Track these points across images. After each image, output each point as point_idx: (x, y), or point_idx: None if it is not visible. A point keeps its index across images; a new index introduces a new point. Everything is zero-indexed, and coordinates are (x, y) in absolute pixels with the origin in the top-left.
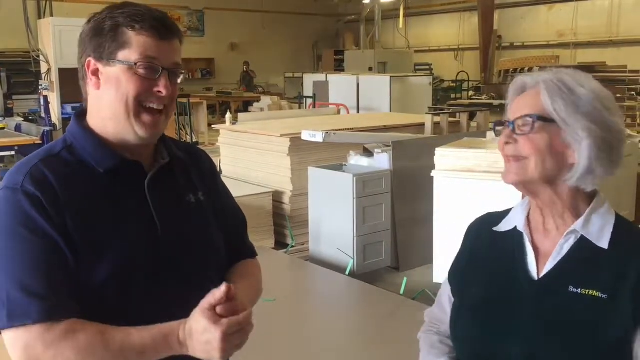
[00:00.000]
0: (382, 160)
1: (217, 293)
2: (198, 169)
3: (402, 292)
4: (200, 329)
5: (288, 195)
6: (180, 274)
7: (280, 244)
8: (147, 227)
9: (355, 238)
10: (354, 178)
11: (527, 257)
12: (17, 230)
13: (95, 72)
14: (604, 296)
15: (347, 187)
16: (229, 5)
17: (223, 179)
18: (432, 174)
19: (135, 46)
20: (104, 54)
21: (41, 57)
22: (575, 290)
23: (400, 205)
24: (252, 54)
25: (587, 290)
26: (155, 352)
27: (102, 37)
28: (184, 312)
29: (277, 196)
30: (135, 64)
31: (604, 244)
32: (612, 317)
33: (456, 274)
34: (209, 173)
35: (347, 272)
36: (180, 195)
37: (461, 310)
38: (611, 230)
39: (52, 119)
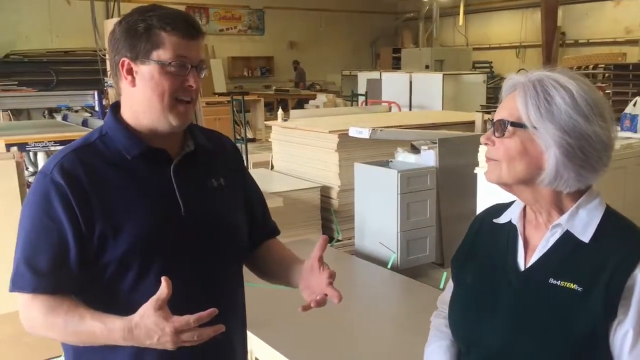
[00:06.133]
0: (428, 157)
1: (161, 293)
2: (222, 156)
3: (441, 286)
4: (149, 324)
5: (335, 190)
6: (199, 252)
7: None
8: (171, 206)
9: (398, 233)
10: (399, 174)
11: (518, 249)
12: (38, 213)
13: (130, 71)
14: (579, 289)
15: (391, 183)
16: (288, 4)
17: (275, 173)
18: (475, 171)
19: (168, 46)
20: (139, 54)
21: (107, 56)
22: (554, 282)
23: (445, 201)
24: (310, 52)
25: (565, 283)
26: (104, 340)
27: (136, 39)
28: (199, 288)
29: (325, 191)
30: (170, 63)
31: (586, 238)
32: (583, 310)
33: (456, 260)
34: (232, 158)
35: (388, 266)
36: (204, 180)
37: (455, 296)
38: (597, 224)
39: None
